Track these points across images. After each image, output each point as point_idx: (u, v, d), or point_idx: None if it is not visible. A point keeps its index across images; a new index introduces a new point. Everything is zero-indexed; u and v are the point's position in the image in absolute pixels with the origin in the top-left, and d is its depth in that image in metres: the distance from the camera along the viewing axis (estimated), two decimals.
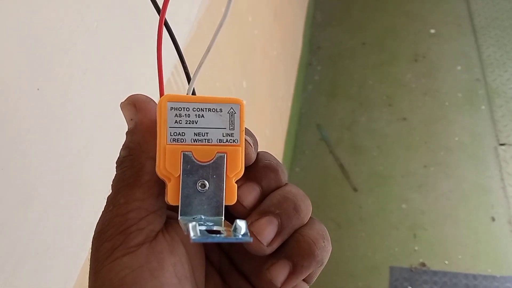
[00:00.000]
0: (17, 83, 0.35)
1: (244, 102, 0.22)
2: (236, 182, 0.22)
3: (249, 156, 0.22)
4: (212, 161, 0.21)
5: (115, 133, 0.49)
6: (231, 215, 0.22)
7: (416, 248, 1.50)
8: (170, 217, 0.23)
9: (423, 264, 1.46)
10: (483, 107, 1.87)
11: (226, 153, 0.21)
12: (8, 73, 0.34)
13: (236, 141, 0.21)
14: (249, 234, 0.20)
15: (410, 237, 1.52)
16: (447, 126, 1.82)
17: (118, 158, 0.23)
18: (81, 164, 0.43)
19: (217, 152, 0.21)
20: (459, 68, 2.02)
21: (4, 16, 0.33)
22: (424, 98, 1.93)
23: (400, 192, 1.65)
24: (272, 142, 1.48)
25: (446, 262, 1.46)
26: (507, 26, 2.17)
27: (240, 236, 0.19)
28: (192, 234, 0.18)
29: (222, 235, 0.20)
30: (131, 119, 0.22)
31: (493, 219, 1.54)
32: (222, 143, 0.21)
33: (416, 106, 1.91)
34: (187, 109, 0.21)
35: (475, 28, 2.17)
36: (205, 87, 0.74)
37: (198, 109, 0.21)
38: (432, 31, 2.19)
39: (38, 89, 0.38)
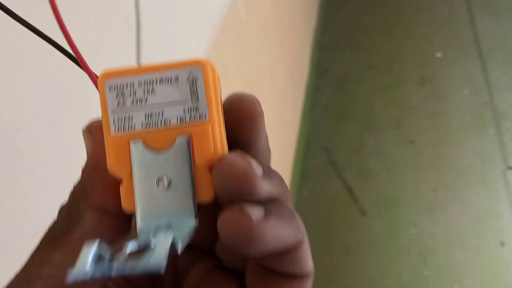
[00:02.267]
0: (35, 119, 0.37)
1: (211, 61, 0.17)
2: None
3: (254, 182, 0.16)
4: (173, 148, 0.16)
5: None
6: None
7: (425, 273, 1.49)
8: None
9: None
10: (490, 130, 1.87)
11: (190, 134, 0.16)
12: (26, 110, 0.36)
13: (203, 116, 0.16)
14: (164, 263, 0.13)
15: (420, 262, 1.51)
16: (455, 150, 1.81)
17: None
18: None
19: (178, 136, 0.16)
20: (466, 91, 2.03)
21: (22, 56, 0.35)
22: (432, 121, 1.94)
23: (409, 216, 1.64)
24: (280, 166, 1.49)
25: (456, 287, 1.44)
26: None
27: (151, 262, 0.13)
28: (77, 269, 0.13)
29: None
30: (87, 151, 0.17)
31: (503, 244, 1.52)
32: (184, 123, 0.16)
33: (423, 129, 1.91)
34: (132, 85, 0.16)
35: (481, 51, 2.19)
36: None
37: (146, 83, 0.16)
38: (439, 54, 2.21)
39: (55, 126, 0.39)
